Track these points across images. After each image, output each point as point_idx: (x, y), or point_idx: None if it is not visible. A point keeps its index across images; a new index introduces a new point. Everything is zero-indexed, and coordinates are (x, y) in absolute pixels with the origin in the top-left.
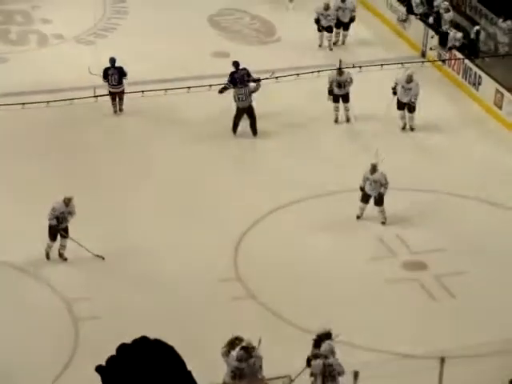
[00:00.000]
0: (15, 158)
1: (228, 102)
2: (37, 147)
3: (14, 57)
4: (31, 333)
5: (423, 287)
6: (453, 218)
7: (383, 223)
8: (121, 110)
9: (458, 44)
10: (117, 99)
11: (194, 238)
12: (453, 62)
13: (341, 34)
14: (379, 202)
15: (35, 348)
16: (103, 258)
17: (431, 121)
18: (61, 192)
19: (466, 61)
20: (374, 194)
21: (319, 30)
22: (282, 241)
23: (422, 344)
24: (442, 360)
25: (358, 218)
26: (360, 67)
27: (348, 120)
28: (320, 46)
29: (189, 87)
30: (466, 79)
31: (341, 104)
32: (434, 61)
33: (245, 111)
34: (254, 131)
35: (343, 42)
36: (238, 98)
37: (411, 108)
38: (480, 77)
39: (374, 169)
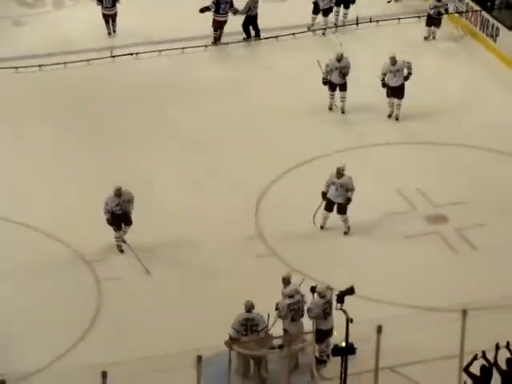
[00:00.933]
0: (33, 120)
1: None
2: (54, 109)
3: (30, 20)
4: (55, 293)
5: (445, 241)
6: (475, 170)
7: (346, 233)
8: (114, 31)
9: None
10: (110, 21)
11: (215, 198)
12: (470, 13)
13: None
14: (343, 209)
15: (59, 308)
16: (148, 272)
17: (448, 73)
18: (77, 153)
19: (483, 12)
20: (339, 200)
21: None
22: (302, 198)
23: (444, 297)
24: (464, 312)
25: (322, 228)
26: (377, 21)
27: (343, 112)
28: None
29: (206, 45)
30: (483, 31)
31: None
32: (451, 13)
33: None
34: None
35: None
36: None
37: (401, 93)
38: (498, 28)
39: (339, 173)
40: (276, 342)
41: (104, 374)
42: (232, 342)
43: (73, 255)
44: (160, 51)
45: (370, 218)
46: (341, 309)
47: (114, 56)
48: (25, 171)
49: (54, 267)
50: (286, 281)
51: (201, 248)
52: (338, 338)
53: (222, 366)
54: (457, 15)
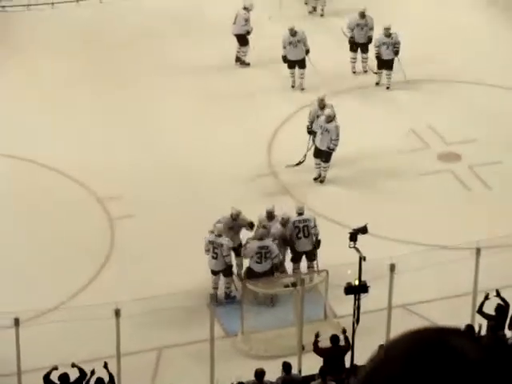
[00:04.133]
0: (45, 57)
1: None
2: (67, 46)
3: None
4: (70, 231)
5: (458, 178)
6: (487, 108)
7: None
8: None
9: None
10: None
11: (229, 139)
12: None
13: None
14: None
15: (72, 247)
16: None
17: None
18: (91, 91)
19: None
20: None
21: None
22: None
23: (457, 235)
24: (478, 250)
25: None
26: None
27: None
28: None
29: None
30: None
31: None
32: None
33: None
34: None
35: None
36: None
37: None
38: None
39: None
40: (288, 280)
41: (117, 312)
42: (245, 279)
43: (86, 193)
44: None
45: (384, 157)
46: (354, 247)
47: None
48: (36, 106)
49: (67, 206)
50: (269, 214)
51: (215, 187)
52: (350, 277)
53: (235, 303)
54: None
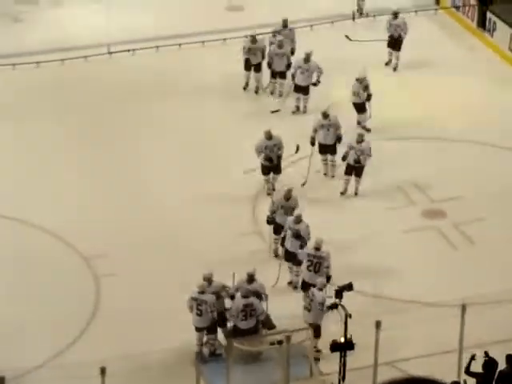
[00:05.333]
0: (30, 118)
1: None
2: (52, 105)
3: (28, 16)
4: (53, 289)
5: (443, 235)
6: (469, 165)
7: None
8: None
9: None
10: None
11: (212, 190)
12: (467, 8)
13: None
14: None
15: (58, 304)
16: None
17: (445, 67)
18: (76, 149)
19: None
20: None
21: None
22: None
23: (442, 292)
24: (464, 308)
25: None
26: (374, 16)
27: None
28: None
29: (203, 41)
30: (480, 25)
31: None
32: (448, 8)
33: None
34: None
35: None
36: None
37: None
38: (495, 23)
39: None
40: (274, 338)
41: (103, 370)
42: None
43: (71, 251)
44: (157, 47)
45: (369, 214)
46: (339, 304)
47: (110, 52)
48: (23, 168)
49: (51, 264)
50: (207, 278)
51: (201, 240)
52: (336, 334)
53: (221, 361)
54: (454, 10)
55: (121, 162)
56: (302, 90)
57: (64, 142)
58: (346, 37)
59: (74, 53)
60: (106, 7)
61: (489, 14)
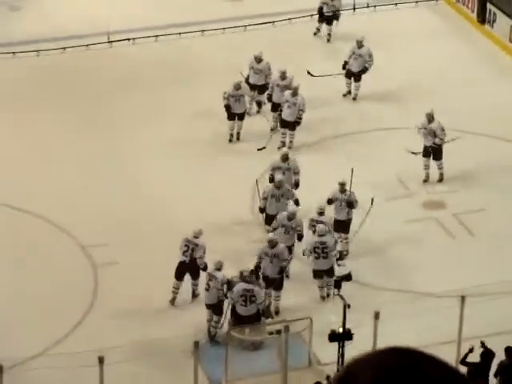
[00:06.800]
0: (30, 106)
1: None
2: (52, 95)
3: (26, 4)
4: (52, 278)
5: (442, 226)
6: (472, 156)
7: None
8: None
9: None
10: None
11: (213, 178)
12: None
13: None
14: None
15: (57, 293)
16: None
17: (446, 60)
18: (76, 137)
19: None
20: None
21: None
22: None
23: (442, 282)
24: (463, 298)
25: None
26: (375, 6)
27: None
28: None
29: (203, 30)
30: (480, 17)
31: None
32: None
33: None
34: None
35: None
36: None
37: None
38: (495, 14)
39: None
40: (273, 328)
41: (101, 360)
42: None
43: (69, 240)
44: (157, 36)
45: (368, 204)
46: (338, 295)
47: (111, 41)
48: (22, 156)
49: (49, 253)
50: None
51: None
52: (335, 324)
53: (220, 349)
54: (454, 1)
55: (121, 151)
56: (289, 125)
57: (64, 131)
58: (308, 72)
59: (74, 41)
60: None
61: (489, 6)
